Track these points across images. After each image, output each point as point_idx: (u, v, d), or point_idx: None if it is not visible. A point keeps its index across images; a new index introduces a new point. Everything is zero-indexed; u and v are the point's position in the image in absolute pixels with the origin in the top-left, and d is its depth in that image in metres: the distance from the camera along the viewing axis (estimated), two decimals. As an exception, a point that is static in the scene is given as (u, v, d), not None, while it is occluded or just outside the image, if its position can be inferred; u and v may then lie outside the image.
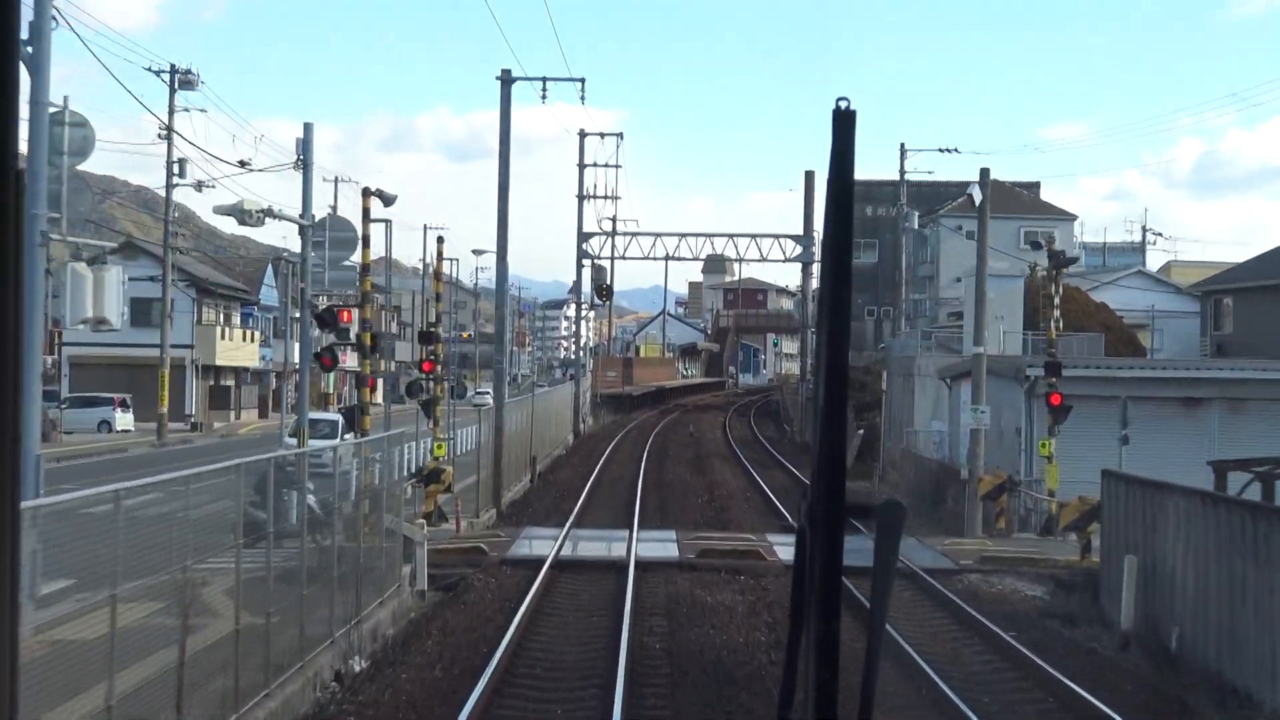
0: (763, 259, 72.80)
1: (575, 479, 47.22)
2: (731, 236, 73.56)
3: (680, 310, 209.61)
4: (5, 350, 1.76)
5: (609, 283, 73.24)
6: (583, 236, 72.52)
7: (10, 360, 1.77)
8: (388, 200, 27.90)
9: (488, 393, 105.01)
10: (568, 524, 32.58)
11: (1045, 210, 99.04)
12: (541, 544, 28.87)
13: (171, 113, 63.51)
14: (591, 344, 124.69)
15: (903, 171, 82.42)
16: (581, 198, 72.73)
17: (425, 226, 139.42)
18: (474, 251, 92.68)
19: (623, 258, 72.25)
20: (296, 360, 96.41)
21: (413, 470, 33.33)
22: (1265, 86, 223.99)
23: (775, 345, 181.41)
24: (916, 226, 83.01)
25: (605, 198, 73.31)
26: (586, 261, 72.66)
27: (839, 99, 2.24)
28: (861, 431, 55.68)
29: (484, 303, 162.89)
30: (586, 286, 72.99)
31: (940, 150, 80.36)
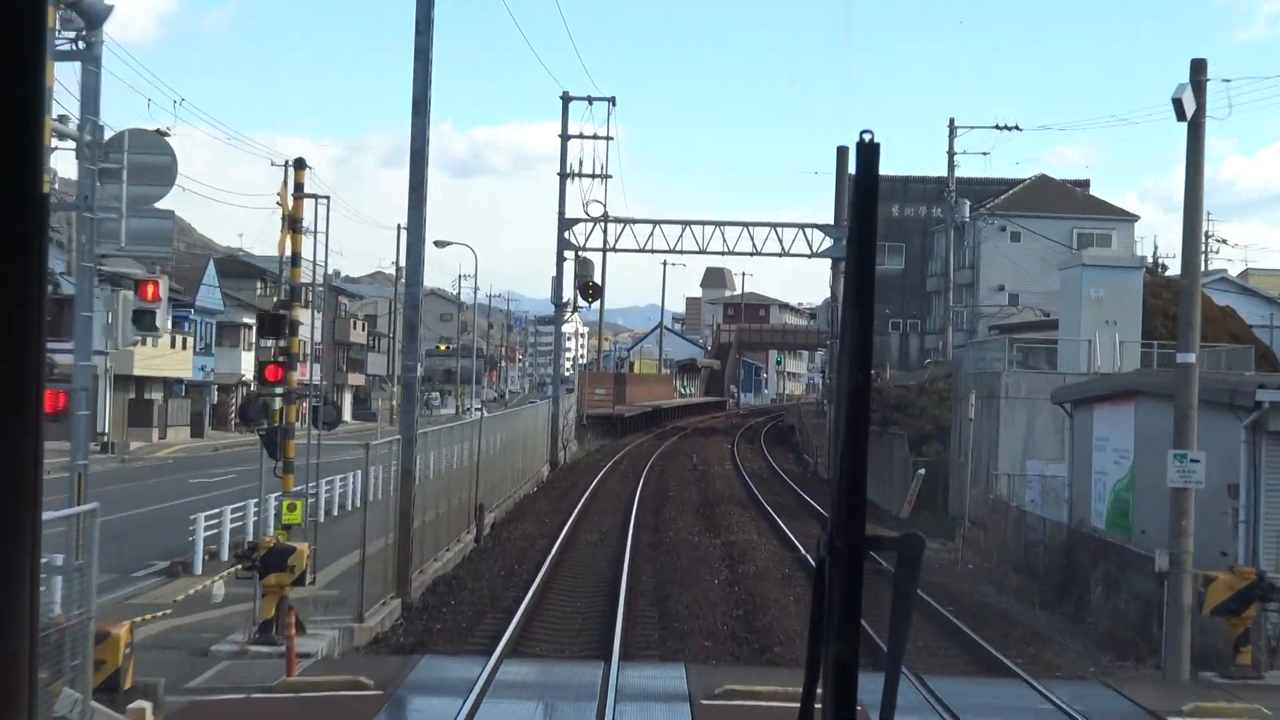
0: (784, 253, 59.19)
1: (539, 538, 33.61)
2: (747, 225, 59.96)
3: (678, 327, 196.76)
4: (28, 373, 1.72)
5: (596, 279, 59.41)
6: (564, 223, 58.79)
7: (33, 383, 1.73)
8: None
9: (479, 408, 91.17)
10: (499, 648, 18.91)
11: (1101, 209, 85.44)
12: (433, 708, 15.23)
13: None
14: (583, 360, 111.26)
15: (951, 154, 68.70)
16: (564, 175, 59.06)
17: (399, 226, 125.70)
18: (436, 244, 78.64)
19: (614, 249, 58.56)
20: (246, 371, 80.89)
21: (242, 551, 19.79)
22: (1266, 107, 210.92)
23: (779, 363, 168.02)
24: (966, 217, 69.53)
25: (594, 176, 59.50)
26: (569, 254, 59.02)
27: (863, 131, 2.31)
28: (922, 472, 41.99)
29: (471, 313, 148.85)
30: (569, 285, 59.30)
31: (998, 128, 66.77)
